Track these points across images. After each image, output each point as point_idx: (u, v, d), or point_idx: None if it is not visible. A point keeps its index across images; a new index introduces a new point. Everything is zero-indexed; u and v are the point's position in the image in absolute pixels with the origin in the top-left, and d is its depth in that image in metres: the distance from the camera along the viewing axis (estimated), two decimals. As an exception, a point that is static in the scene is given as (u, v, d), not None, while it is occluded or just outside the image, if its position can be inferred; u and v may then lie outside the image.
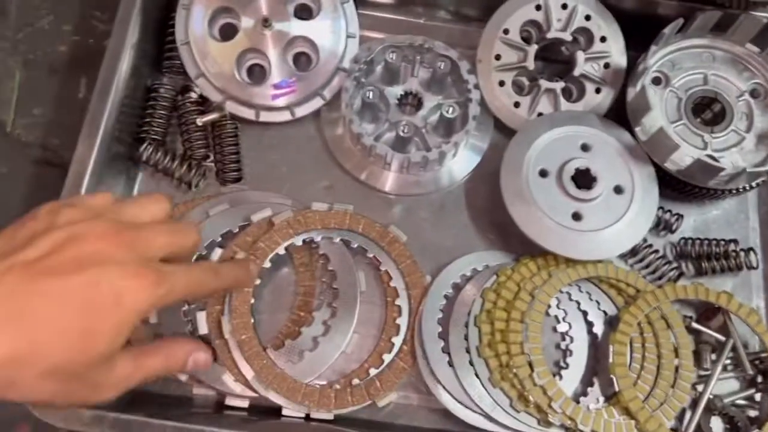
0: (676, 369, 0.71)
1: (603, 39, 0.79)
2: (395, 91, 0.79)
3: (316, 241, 0.74)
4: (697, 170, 0.72)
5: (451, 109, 0.76)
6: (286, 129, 0.81)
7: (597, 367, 0.75)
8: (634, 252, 0.77)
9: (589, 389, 0.73)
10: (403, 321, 0.74)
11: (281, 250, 0.72)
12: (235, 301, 0.69)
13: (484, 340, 0.72)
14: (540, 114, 0.79)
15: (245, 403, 0.70)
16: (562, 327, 0.76)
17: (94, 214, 0.53)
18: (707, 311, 0.76)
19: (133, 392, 0.68)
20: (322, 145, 0.81)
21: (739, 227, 0.81)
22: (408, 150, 0.79)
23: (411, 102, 0.81)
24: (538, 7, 0.80)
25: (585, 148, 0.75)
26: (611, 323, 0.75)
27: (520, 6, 0.80)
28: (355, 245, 0.75)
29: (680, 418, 0.73)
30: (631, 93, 0.75)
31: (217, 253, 0.72)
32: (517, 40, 0.80)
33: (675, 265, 0.78)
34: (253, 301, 0.71)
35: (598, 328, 0.75)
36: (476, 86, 0.76)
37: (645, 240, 0.77)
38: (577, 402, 0.71)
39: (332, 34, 0.79)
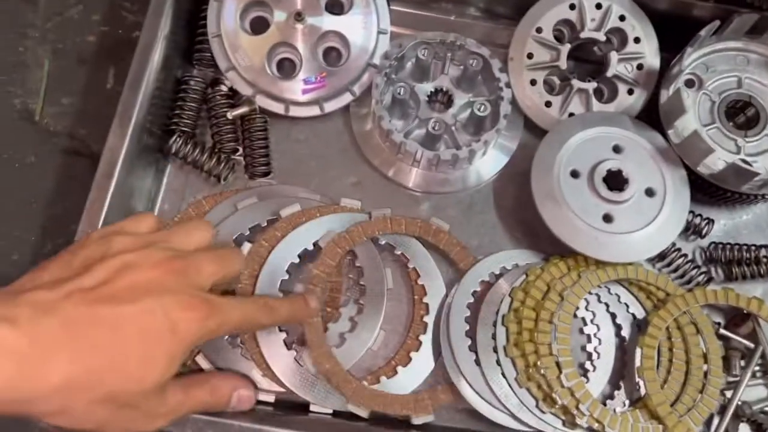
0: (705, 375, 0.71)
1: (637, 40, 0.78)
2: (426, 88, 0.79)
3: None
4: (731, 175, 0.71)
5: (482, 106, 0.75)
6: (315, 124, 0.81)
7: (623, 370, 0.74)
8: (662, 256, 0.77)
9: (615, 392, 0.73)
10: (430, 319, 0.73)
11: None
12: (309, 334, 0.69)
13: (512, 340, 0.71)
14: (571, 114, 0.78)
15: (272, 398, 0.70)
16: (589, 329, 0.75)
17: (145, 242, 0.54)
18: (736, 317, 0.76)
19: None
20: (351, 140, 0.81)
21: (770, 232, 0.81)
22: (437, 147, 0.78)
23: (441, 99, 0.80)
24: (572, 6, 0.79)
25: (617, 149, 0.74)
26: (639, 327, 0.74)
27: (554, 5, 0.79)
28: (383, 242, 0.75)
29: (708, 423, 0.72)
30: (665, 95, 0.75)
31: (246, 247, 0.72)
32: (550, 39, 0.79)
33: (704, 269, 0.78)
34: (281, 296, 0.71)
35: (626, 331, 0.75)
36: (508, 84, 0.76)
37: (674, 244, 0.76)
38: (604, 405, 0.71)
39: (363, 29, 0.78)
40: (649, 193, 0.73)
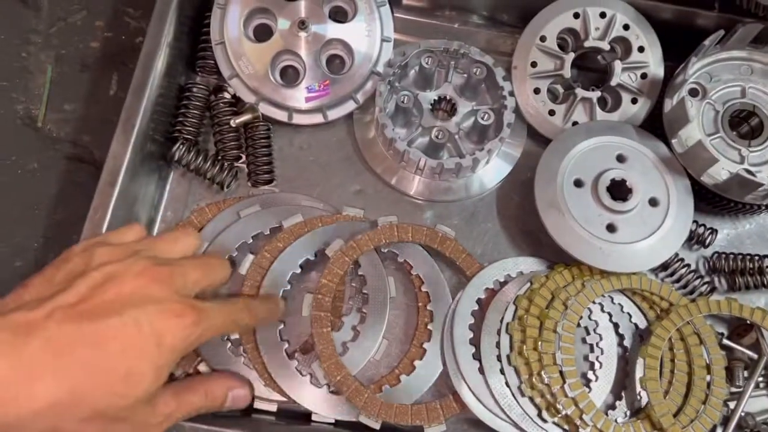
0: (708, 385, 0.71)
1: (641, 49, 0.78)
2: (429, 96, 0.79)
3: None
4: (734, 184, 0.71)
5: (486, 115, 0.75)
6: (318, 132, 0.81)
7: (626, 380, 0.74)
8: (665, 266, 0.77)
9: (617, 402, 0.73)
10: (433, 327, 0.73)
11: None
12: (320, 345, 0.69)
13: (515, 348, 0.71)
14: (575, 123, 0.78)
15: (273, 407, 0.70)
16: (592, 338, 0.75)
17: (128, 252, 0.54)
18: (739, 327, 0.76)
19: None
20: (354, 148, 0.81)
21: (773, 242, 0.81)
22: (440, 156, 0.78)
23: (444, 107, 0.80)
24: (576, 15, 0.79)
25: (621, 159, 0.74)
26: (642, 337, 0.74)
27: (558, 13, 0.79)
28: (386, 250, 0.75)
29: (711, 434, 0.72)
30: (668, 104, 0.75)
31: (249, 259, 0.72)
32: (553, 48, 0.79)
33: (707, 279, 0.77)
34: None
35: (629, 341, 0.75)
36: (511, 93, 0.76)
37: (677, 254, 0.76)
38: (606, 414, 0.70)
39: (367, 37, 0.78)
40: (653, 202, 0.73)
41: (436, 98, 0.79)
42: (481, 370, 0.71)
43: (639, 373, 0.72)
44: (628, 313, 0.75)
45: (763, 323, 0.72)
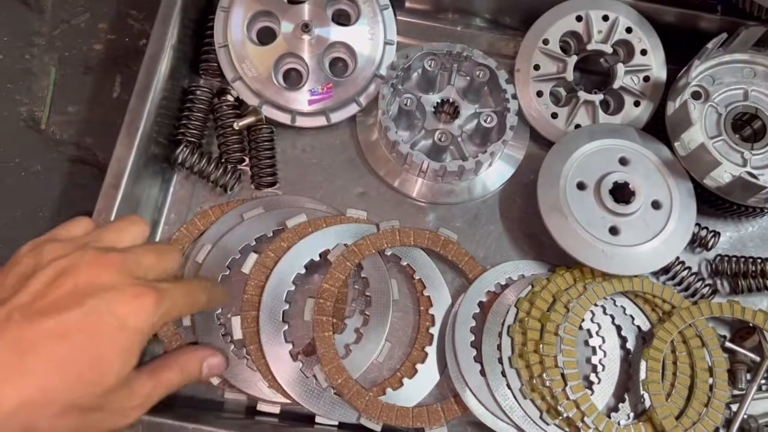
0: (710, 388, 0.71)
1: (644, 52, 0.78)
2: (432, 99, 0.79)
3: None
4: (737, 187, 0.71)
5: (489, 118, 0.75)
6: (321, 134, 0.81)
7: (628, 383, 0.74)
8: (666, 269, 0.77)
9: (620, 405, 0.73)
10: (436, 330, 0.73)
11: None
12: (321, 349, 0.69)
13: (517, 350, 0.71)
14: (578, 126, 0.78)
15: (276, 409, 0.70)
16: (594, 341, 0.75)
17: (77, 246, 0.53)
18: (742, 330, 0.76)
19: (167, 395, 0.68)
20: (357, 151, 0.81)
21: (776, 245, 0.81)
22: (443, 158, 0.78)
23: (447, 110, 0.81)
24: (579, 18, 0.79)
25: (623, 161, 0.74)
26: (644, 339, 0.74)
27: (561, 16, 0.79)
28: (389, 253, 0.75)
29: (714, 437, 0.72)
30: (671, 107, 0.75)
31: (252, 258, 0.72)
32: (556, 51, 0.79)
33: (709, 282, 0.78)
34: (287, 307, 0.71)
35: (631, 344, 0.75)
36: (514, 96, 0.76)
37: (677, 257, 0.76)
38: (608, 417, 0.70)
39: (370, 40, 0.78)
40: (656, 205, 0.73)
41: (439, 101, 0.79)
42: (483, 373, 0.71)
43: (641, 375, 0.72)
44: (631, 316, 0.75)
45: (766, 326, 0.72)
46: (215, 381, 0.70)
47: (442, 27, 0.87)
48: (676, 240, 0.72)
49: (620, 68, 0.78)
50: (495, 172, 0.80)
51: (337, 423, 0.69)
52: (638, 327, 0.75)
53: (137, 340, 0.50)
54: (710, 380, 0.71)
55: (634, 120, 0.78)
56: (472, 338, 0.73)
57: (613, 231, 0.72)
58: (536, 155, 0.79)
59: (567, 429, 0.70)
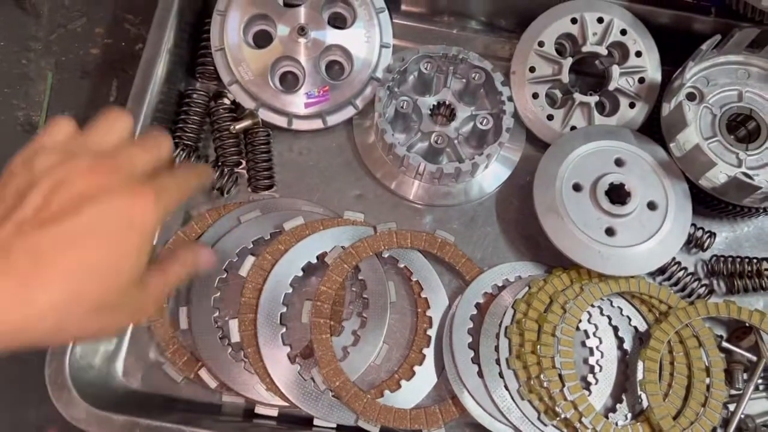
0: (707, 388, 0.71)
1: (638, 54, 0.79)
2: (428, 102, 0.79)
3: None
4: (732, 188, 0.72)
5: (485, 120, 0.75)
6: (318, 137, 0.81)
7: (626, 383, 0.74)
8: (662, 270, 0.77)
9: (617, 405, 0.73)
10: (433, 332, 0.73)
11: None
12: (319, 352, 0.69)
13: (514, 352, 0.72)
14: (573, 127, 0.79)
15: (274, 412, 0.70)
16: (592, 342, 0.75)
17: (66, 154, 0.53)
18: (738, 330, 0.76)
19: (165, 398, 0.68)
20: (353, 153, 0.81)
21: (772, 245, 0.81)
22: (439, 160, 0.79)
23: (443, 113, 0.81)
24: (573, 21, 0.79)
25: (619, 163, 0.75)
26: (642, 339, 0.75)
27: (556, 19, 0.79)
28: (386, 255, 0.75)
29: (711, 437, 0.72)
30: (666, 109, 0.75)
31: (250, 261, 0.72)
32: (551, 53, 0.79)
33: (705, 282, 0.78)
34: (285, 310, 0.71)
35: (628, 344, 0.75)
36: (510, 98, 0.76)
37: (673, 258, 0.76)
38: (606, 418, 0.71)
39: (366, 43, 0.79)
40: (652, 206, 0.73)
41: (435, 103, 0.79)
42: (480, 374, 0.71)
43: (639, 376, 0.72)
44: (628, 316, 0.75)
45: (762, 325, 0.72)
46: (213, 384, 0.70)
47: (438, 30, 0.87)
48: (672, 241, 0.73)
49: (615, 70, 0.78)
50: (491, 174, 0.80)
51: (335, 425, 0.69)
52: (635, 328, 0.75)
53: (146, 238, 0.52)
54: (707, 380, 0.71)
55: (630, 121, 0.79)
56: (470, 340, 0.73)
57: (609, 232, 0.72)
58: (532, 157, 0.79)
59: (565, 430, 0.70)
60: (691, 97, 0.78)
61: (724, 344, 0.75)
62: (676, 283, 0.77)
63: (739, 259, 0.78)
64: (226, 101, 0.79)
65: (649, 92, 0.79)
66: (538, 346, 0.70)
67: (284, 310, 0.71)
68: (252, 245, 0.74)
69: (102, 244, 0.49)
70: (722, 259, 0.79)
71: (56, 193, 0.50)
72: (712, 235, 0.78)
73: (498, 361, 0.72)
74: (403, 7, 0.85)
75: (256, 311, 0.70)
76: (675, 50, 0.78)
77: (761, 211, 0.75)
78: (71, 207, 0.49)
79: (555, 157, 0.75)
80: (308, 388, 0.69)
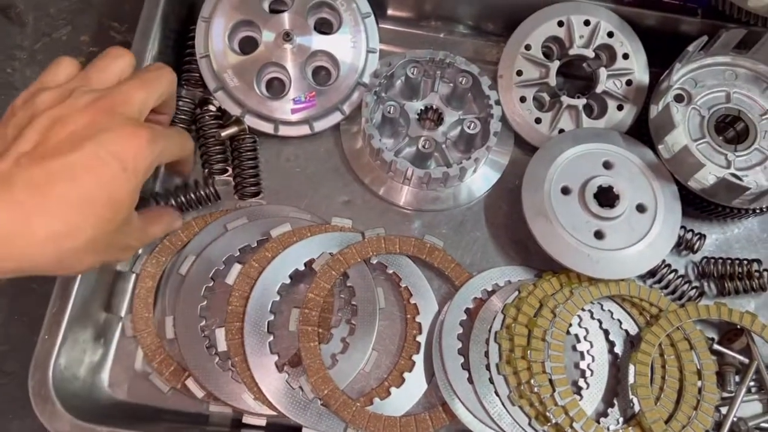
0: (699, 391, 0.71)
1: (625, 56, 0.79)
2: (415, 106, 0.79)
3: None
4: (721, 189, 0.71)
5: (472, 124, 0.75)
6: (305, 143, 0.81)
7: (617, 387, 0.74)
8: (652, 272, 0.76)
9: (609, 410, 0.73)
10: (423, 338, 0.73)
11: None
12: (307, 360, 0.69)
13: (504, 357, 0.71)
14: (561, 130, 0.78)
15: (262, 422, 0.70)
16: (582, 346, 0.75)
17: (66, 92, 0.55)
18: (730, 332, 0.76)
19: (152, 408, 0.68)
20: (341, 159, 0.81)
21: (762, 246, 0.81)
22: (428, 165, 0.78)
23: (431, 117, 0.80)
24: (560, 24, 0.79)
25: (607, 165, 0.74)
26: (632, 343, 0.74)
27: (543, 22, 0.79)
28: (374, 261, 0.75)
29: (704, 440, 0.72)
30: (654, 110, 0.75)
31: (236, 269, 0.72)
32: (539, 56, 0.79)
33: (695, 284, 0.77)
34: (272, 318, 0.71)
35: (619, 348, 0.74)
36: (497, 102, 0.76)
37: (663, 260, 0.76)
38: (597, 422, 0.70)
39: (353, 48, 0.78)
40: (641, 209, 0.73)
41: (423, 108, 0.79)
42: (471, 380, 0.71)
43: (630, 379, 0.72)
44: (618, 320, 0.75)
45: (753, 327, 0.72)
46: (200, 394, 0.69)
47: (425, 34, 0.87)
48: (662, 243, 0.72)
49: (603, 72, 0.78)
50: (480, 179, 0.80)
51: (324, 435, 0.69)
52: (626, 331, 0.75)
53: (138, 179, 0.53)
54: (699, 383, 0.71)
55: (618, 124, 0.78)
56: (460, 345, 0.72)
57: (599, 235, 0.72)
58: (521, 161, 0.79)
59: (556, 435, 0.70)
60: (678, 98, 0.78)
61: (716, 347, 0.74)
62: (666, 286, 0.77)
63: (729, 261, 0.78)
64: (212, 108, 0.79)
65: (636, 94, 0.79)
66: (529, 351, 0.70)
67: (272, 318, 0.71)
68: (239, 253, 0.74)
69: (96, 181, 0.51)
70: (712, 261, 0.78)
71: (53, 129, 0.51)
72: (702, 237, 0.78)
73: (488, 367, 0.71)
74: (390, 12, 0.85)
75: (243, 320, 0.70)
76: (662, 52, 0.78)
77: (751, 212, 0.75)
78: (67, 145, 0.51)
79: (543, 160, 0.74)
80: (296, 397, 0.69)
